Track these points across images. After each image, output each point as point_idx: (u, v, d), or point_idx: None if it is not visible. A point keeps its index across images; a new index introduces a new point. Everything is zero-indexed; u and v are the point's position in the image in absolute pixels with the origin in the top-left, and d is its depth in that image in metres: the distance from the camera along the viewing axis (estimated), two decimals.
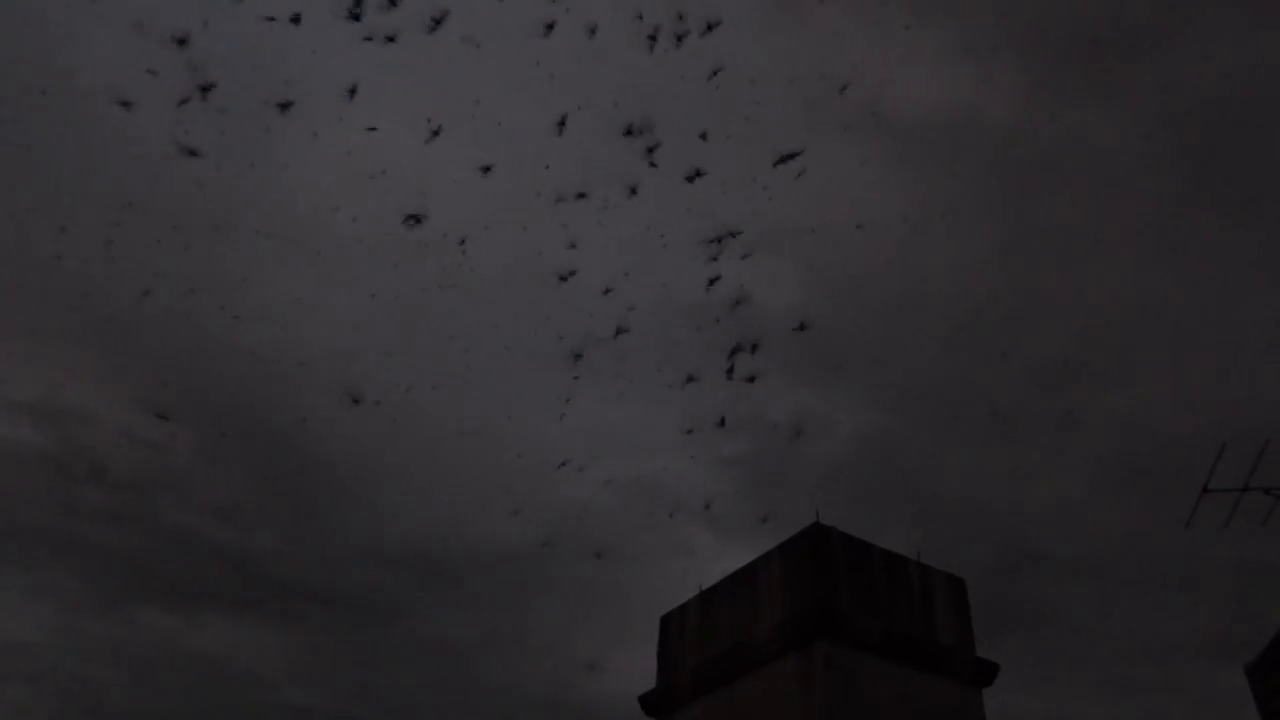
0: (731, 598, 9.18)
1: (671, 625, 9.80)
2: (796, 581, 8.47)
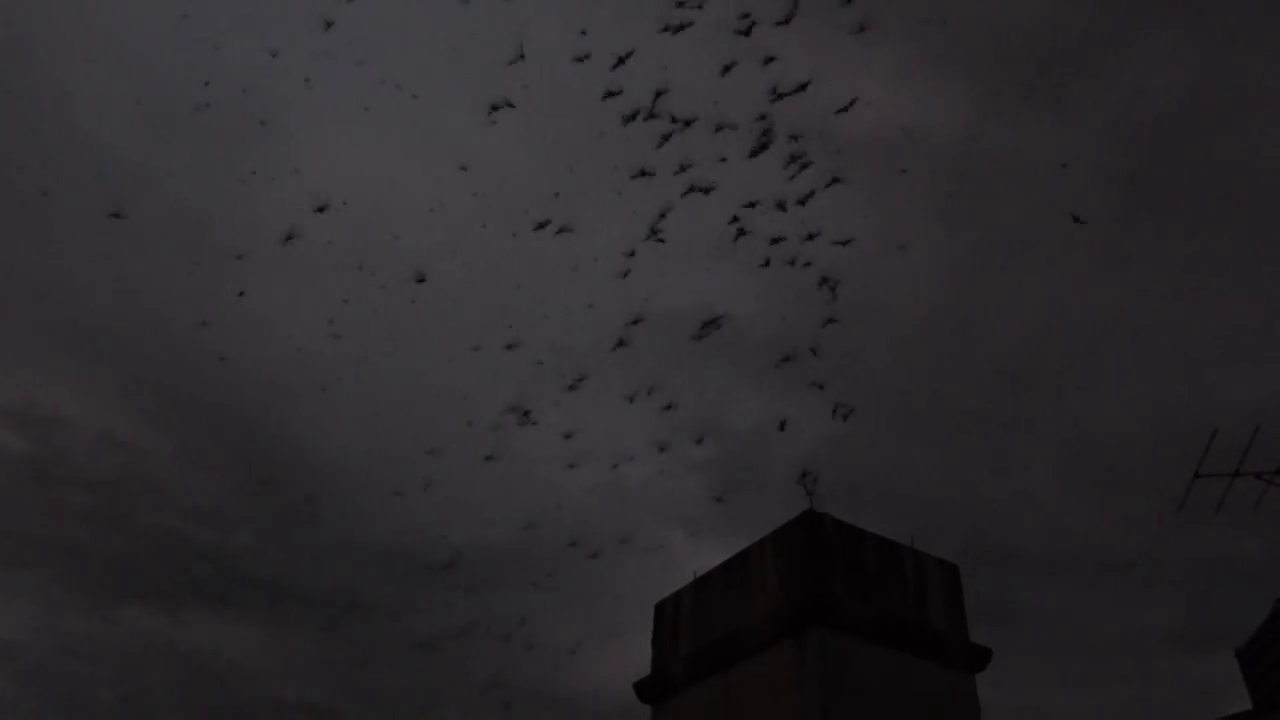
0: (725, 585, 9.19)
1: (665, 613, 9.81)
2: (790, 568, 8.48)
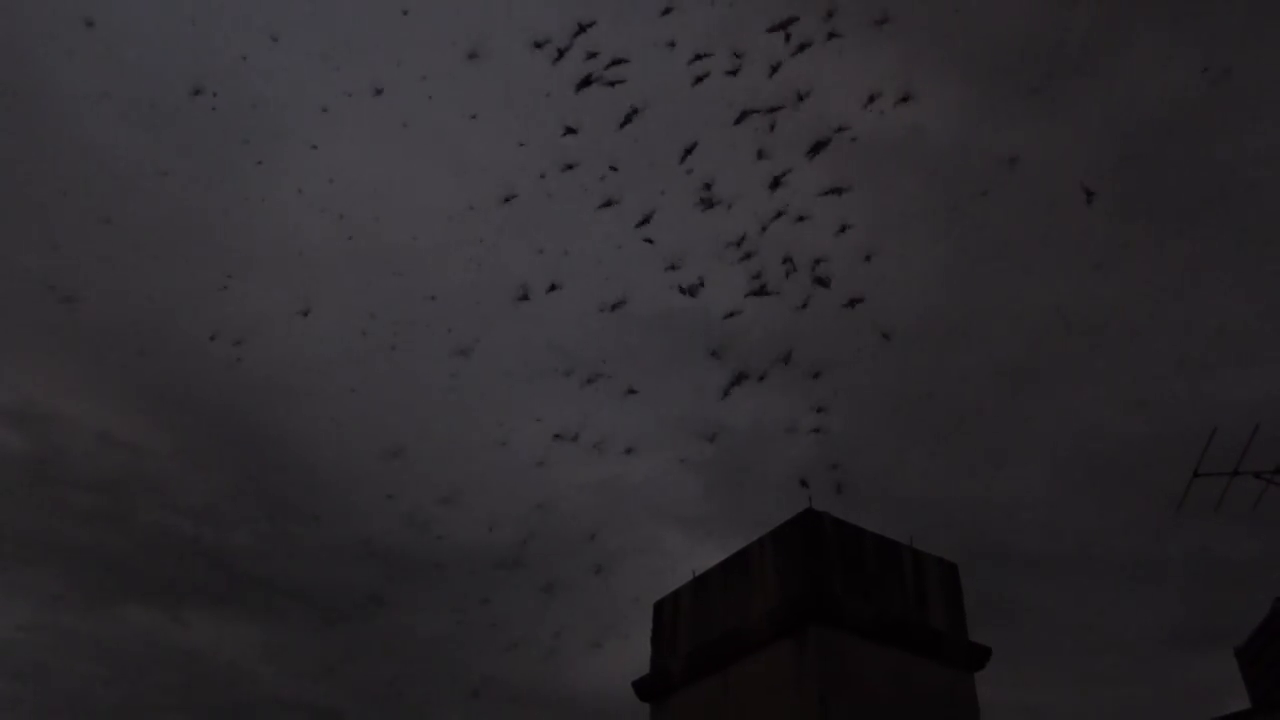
0: (724, 583, 9.19)
1: (664, 611, 9.81)
2: (789, 567, 8.48)
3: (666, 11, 22.03)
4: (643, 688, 9.51)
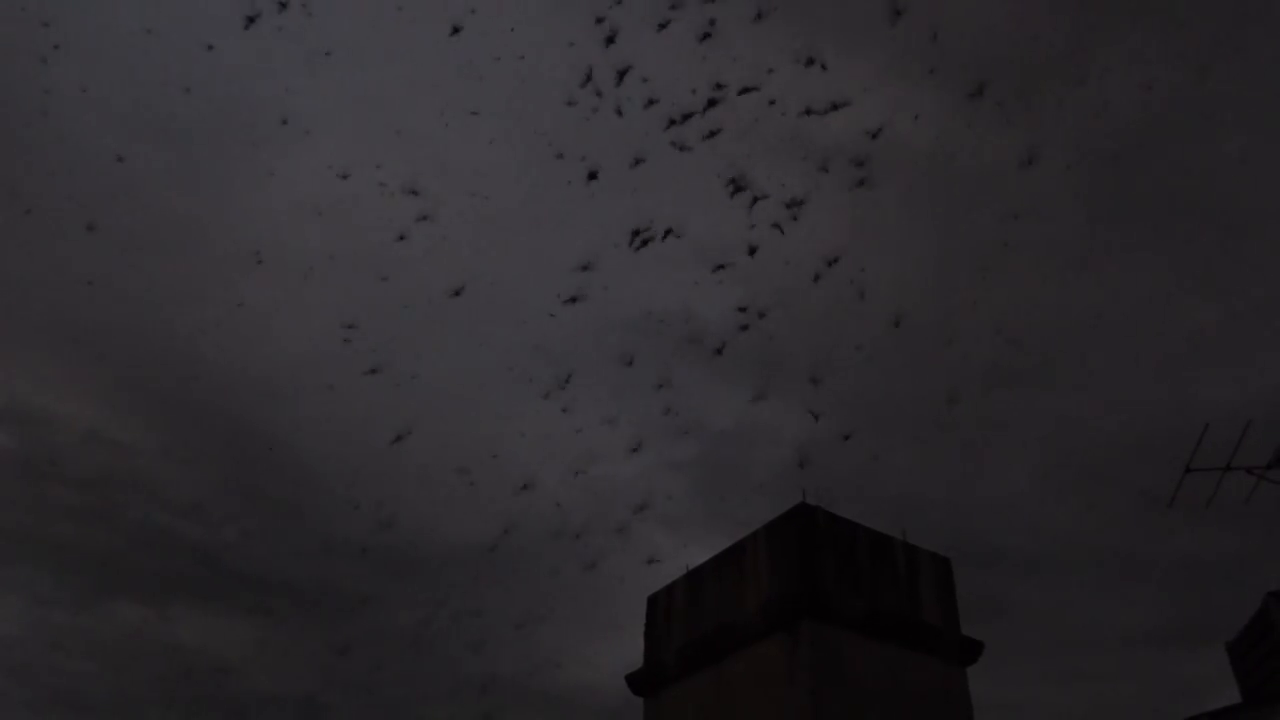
0: (718, 578, 9.20)
1: (658, 605, 9.82)
2: (782, 561, 8.49)
3: (664, 25, 22.03)
4: (636, 681, 9.52)
